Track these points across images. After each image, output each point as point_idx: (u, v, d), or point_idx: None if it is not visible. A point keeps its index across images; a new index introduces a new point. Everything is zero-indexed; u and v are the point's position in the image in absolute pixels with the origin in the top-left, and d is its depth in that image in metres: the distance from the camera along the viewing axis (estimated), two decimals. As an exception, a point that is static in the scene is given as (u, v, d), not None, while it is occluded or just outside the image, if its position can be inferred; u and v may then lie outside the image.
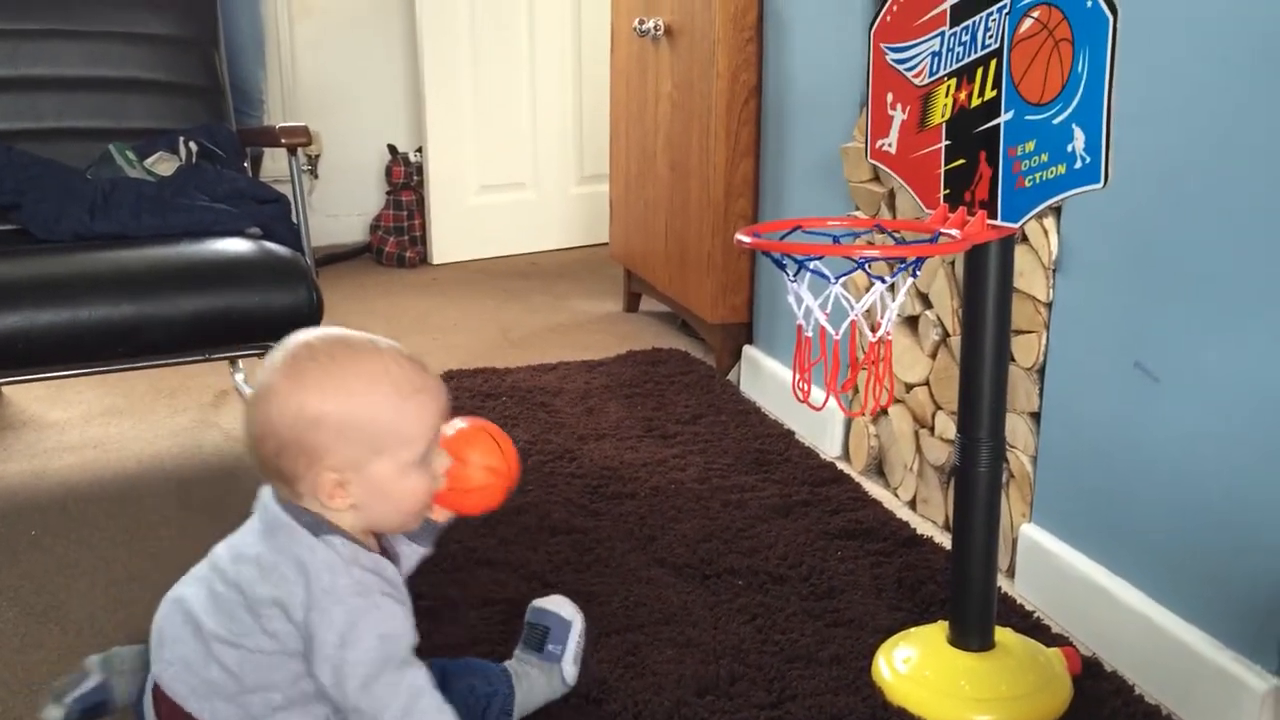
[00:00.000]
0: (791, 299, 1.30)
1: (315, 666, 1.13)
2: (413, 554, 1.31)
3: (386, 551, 1.25)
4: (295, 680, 1.15)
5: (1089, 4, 1.14)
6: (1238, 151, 1.32)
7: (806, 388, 1.31)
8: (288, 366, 1.15)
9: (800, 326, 1.30)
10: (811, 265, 1.29)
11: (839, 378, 1.29)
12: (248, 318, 1.98)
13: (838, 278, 1.28)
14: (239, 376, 2.62)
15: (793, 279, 1.29)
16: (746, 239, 1.30)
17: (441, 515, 1.30)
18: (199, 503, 2.05)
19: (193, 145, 2.35)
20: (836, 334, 1.28)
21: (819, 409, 1.36)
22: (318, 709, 1.17)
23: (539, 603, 1.42)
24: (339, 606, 1.12)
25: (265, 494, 1.20)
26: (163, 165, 2.30)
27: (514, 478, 1.28)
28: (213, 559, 1.21)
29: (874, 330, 1.30)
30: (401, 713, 1.11)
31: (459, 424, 1.27)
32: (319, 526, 1.16)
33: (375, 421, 1.14)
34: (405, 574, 1.27)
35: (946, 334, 1.89)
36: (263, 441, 1.15)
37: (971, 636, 1.43)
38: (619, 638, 1.54)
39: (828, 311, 1.29)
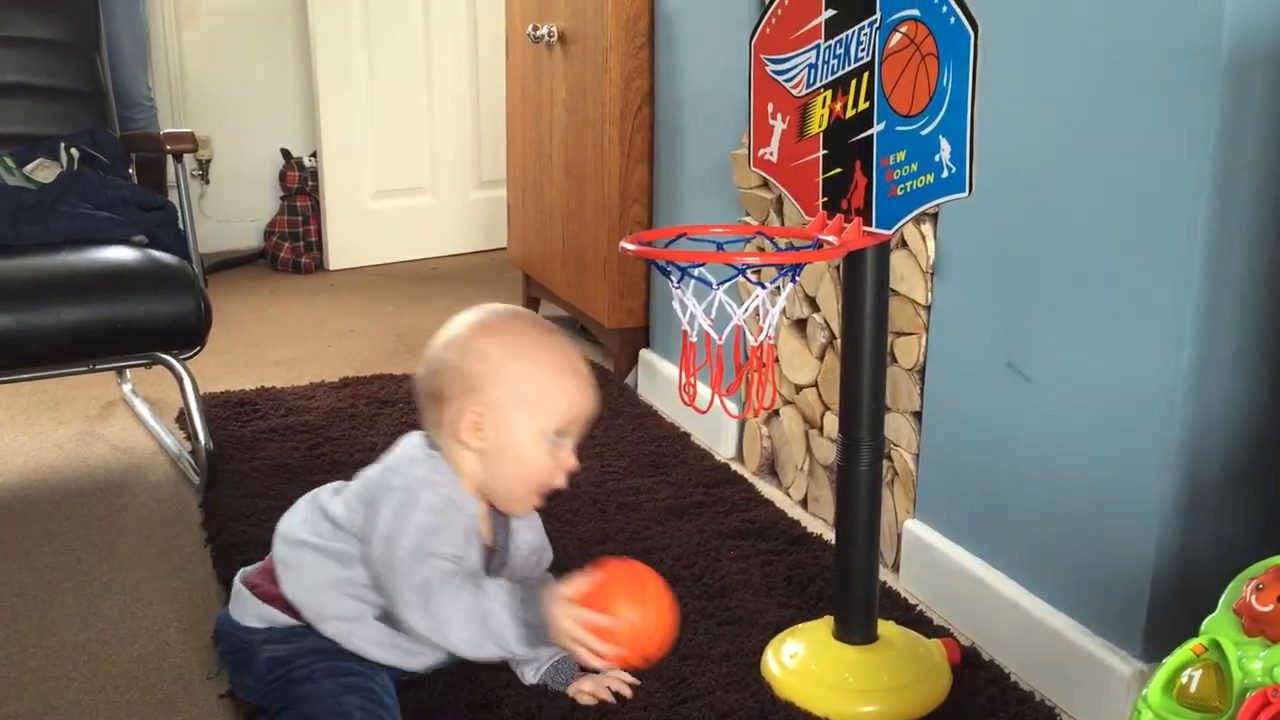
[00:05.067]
0: (676, 305, 1.33)
1: (371, 543, 1.28)
2: (527, 548, 1.43)
3: (504, 536, 1.39)
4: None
5: (952, 20, 1.19)
6: (1091, 162, 1.38)
7: (692, 391, 1.34)
8: (478, 316, 1.34)
9: (685, 332, 1.33)
10: (695, 272, 1.32)
11: (723, 381, 1.32)
12: (133, 327, 1.95)
13: (720, 284, 1.31)
14: (126, 387, 2.58)
15: (676, 285, 1.32)
16: (631, 246, 1.33)
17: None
18: (85, 516, 2.01)
19: (74, 152, 2.30)
20: (720, 338, 1.31)
21: (704, 412, 1.38)
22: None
23: None
24: (403, 492, 1.29)
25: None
26: (43, 172, 2.25)
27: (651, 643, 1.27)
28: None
29: (759, 335, 1.33)
30: (439, 593, 1.24)
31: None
32: (436, 448, 1.33)
33: (532, 379, 1.30)
34: (516, 562, 1.41)
35: (833, 336, 1.93)
36: (432, 361, 1.33)
37: (855, 630, 1.47)
38: (513, 642, 1.55)
39: (712, 317, 1.32)
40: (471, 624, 1.23)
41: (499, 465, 1.32)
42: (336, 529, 1.35)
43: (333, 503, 1.37)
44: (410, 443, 1.37)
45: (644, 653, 1.27)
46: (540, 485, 1.34)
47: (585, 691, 1.43)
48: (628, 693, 1.43)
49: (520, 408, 1.30)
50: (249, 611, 1.39)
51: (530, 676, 1.45)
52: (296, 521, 1.39)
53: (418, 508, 1.28)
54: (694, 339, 1.33)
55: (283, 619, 1.36)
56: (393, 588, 1.27)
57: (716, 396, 1.34)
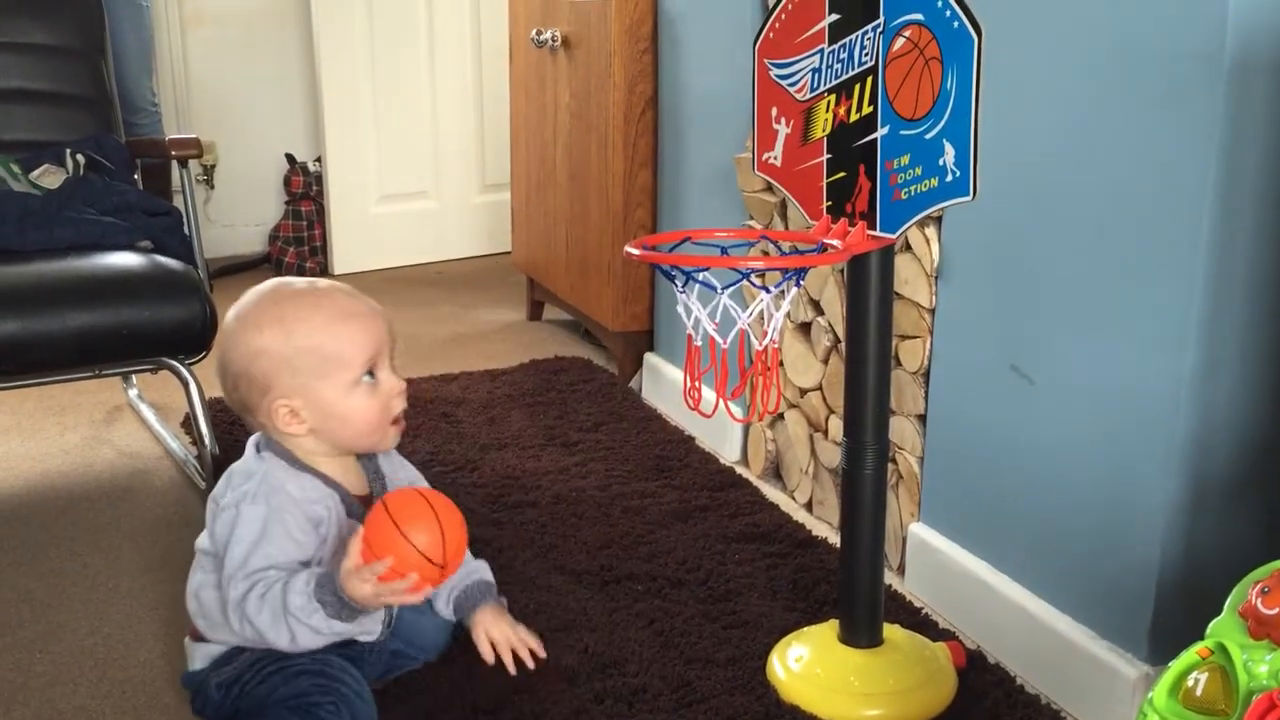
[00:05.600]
0: (681, 309, 1.33)
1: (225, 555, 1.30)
2: (407, 485, 1.42)
3: (378, 479, 1.42)
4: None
5: (956, 25, 1.19)
6: (1095, 165, 1.38)
7: (697, 395, 1.34)
8: (239, 310, 1.34)
9: (690, 336, 1.33)
10: (700, 276, 1.32)
11: (728, 385, 1.32)
12: (139, 333, 1.95)
13: (724, 288, 1.31)
14: (132, 392, 2.58)
15: (681, 290, 1.32)
16: (636, 251, 1.33)
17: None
18: (91, 521, 2.01)
19: (80, 157, 2.30)
20: (725, 342, 1.31)
21: (709, 416, 1.39)
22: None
23: None
24: (231, 509, 1.31)
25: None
26: (49, 178, 2.25)
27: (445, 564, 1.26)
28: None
29: (763, 338, 1.34)
30: (257, 610, 1.27)
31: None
32: (266, 445, 1.35)
33: (312, 349, 1.31)
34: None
35: (837, 340, 1.94)
36: (223, 377, 1.34)
37: (860, 634, 1.47)
38: (519, 646, 1.55)
39: (717, 321, 1.32)
40: (281, 622, 1.26)
41: (333, 433, 1.34)
42: (209, 558, 1.37)
43: (201, 538, 1.38)
44: (247, 452, 1.37)
45: (440, 565, 1.26)
46: (379, 424, 1.36)
47: (493, 641, 1.45)
48: (529, 661, 1.45)
49: (318, 379, 1.31)
50: (195, 657, 1.41)
51: (442, 607, 1.48)
52: (198, 573, 1.40)
53: (241, 523, 1.30)
54: (699, 343, 1.33)
55: (218, 649, 1.38)
56: (224, 604, 1.30)
57: (721, 400, 1.35)
